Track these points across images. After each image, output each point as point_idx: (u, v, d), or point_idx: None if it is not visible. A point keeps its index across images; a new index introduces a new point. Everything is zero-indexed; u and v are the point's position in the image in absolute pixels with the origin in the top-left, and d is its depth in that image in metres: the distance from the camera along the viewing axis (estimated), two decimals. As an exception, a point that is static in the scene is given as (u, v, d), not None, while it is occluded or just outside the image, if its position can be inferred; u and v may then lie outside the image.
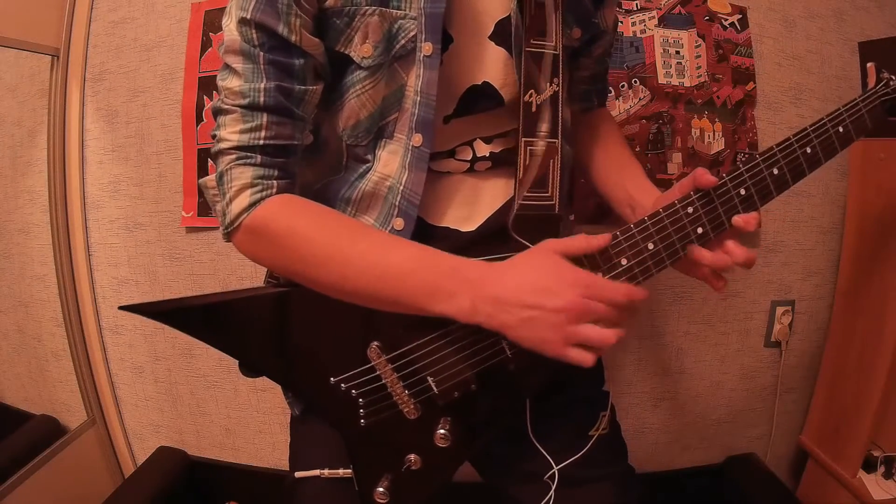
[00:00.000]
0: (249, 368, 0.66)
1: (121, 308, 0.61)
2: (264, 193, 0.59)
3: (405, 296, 0.56)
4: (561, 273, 0.54)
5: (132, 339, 1.37)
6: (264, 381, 0.68)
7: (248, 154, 0.59)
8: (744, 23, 1.27)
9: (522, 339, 0.54)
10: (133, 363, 1.39)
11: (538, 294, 0.53)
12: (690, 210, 0.60)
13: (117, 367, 1.39)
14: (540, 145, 0.64)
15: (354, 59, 0.61)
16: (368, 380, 0.62)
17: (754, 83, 1.27)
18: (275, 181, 0.60)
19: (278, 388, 0.73)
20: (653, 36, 1.25)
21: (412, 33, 0.59)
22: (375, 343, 0.61)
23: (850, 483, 1.18)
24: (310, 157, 0.70)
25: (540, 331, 0.53)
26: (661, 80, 1.25)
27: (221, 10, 0.83)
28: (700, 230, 0.60)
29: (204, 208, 1.27)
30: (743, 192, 0.60)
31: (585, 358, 0.53)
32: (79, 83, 1.28)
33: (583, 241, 0.57)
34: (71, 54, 1.27)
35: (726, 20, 1.26)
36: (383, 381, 0.61)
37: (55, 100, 1.27)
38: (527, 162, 0.64)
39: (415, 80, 0.61)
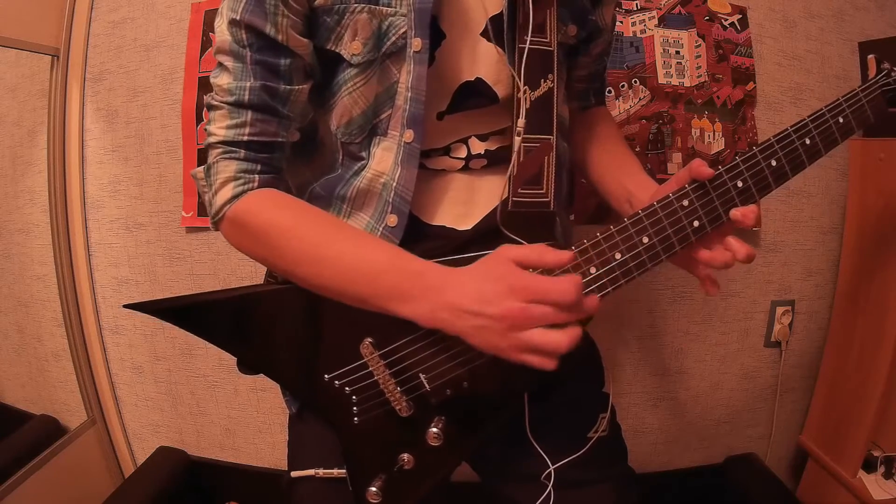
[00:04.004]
0: (247, 366, 0.67)
1: (124, 307, 0.62)
2: (246, 187, 0.61)
3: (373, 296, 0.57)
4: (501, 279, 0.53)
5: (132, 339, 1.37)
6: (264, 381, 0.69)
7: (233, 149, 0.61)
8: (744, 23, 1.27)
9: (479, 346, 0.54)
10: (133, 363, 1.39)
11: (480, 301, 0.52)
12: (686, 203, 0.59)
13: (117, 367, 1.39)
14: (534, 142, 0.64)
15: (345, 56, 0.62)
16: (361, 376, 0.62)
17: (754, 83, 1.27)
18: (257, 175, 0.62)
19: (278, 387, 0.73)
20: (653, 36, 1.25)
21: (402, 30, 0.60)
22: (368, 339, 0.61)
23: (850, 483, 1.18)
24: (308, 155, 0.70)
25: (489, 338, 0.53)
26: (661, 80, 1.25)
27: (221, 10, 0.84)
28: (696, 223, 0.59)
29: (204, 208, 1.27)
30: (740, 184, 0.59)
31: (543, 362, 0.52)
32: (79, 83, 1.28)
33: (539, 253, 0.55)
34: (71, 54, 1.27)
35: (726, 20, 1.26)
36: (375, 378, 0.61)
37: (55, 100, 1.27)
38: (521, 159, 0.64)
39: (406, 77, 0.62)
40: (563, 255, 0.55)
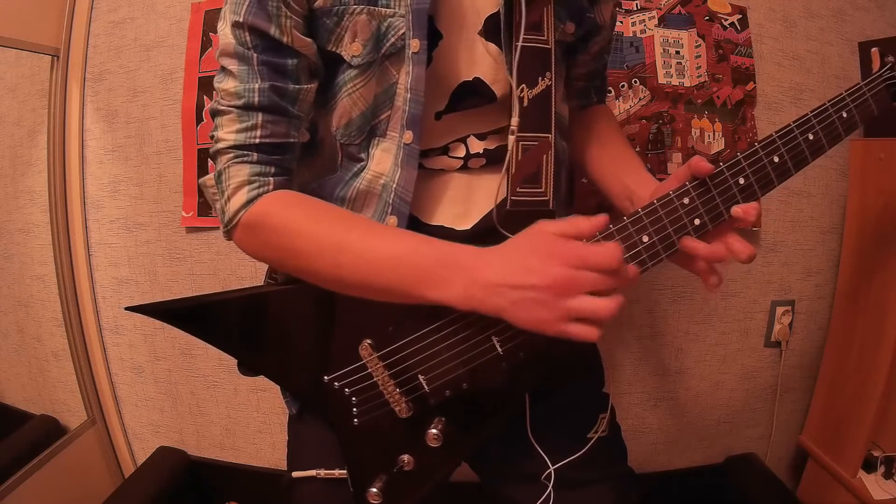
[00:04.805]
0: (247, 367, 0.66)
1: (126, 309, 0.62)
2: (261, 190, 0.60)
3: (398, 283, 0.56)
4: (545, 249, 0.53)
5: (132, 339, 1.37)
6: (264, 381, 0.69)
7: (245, 152, 0.60)
8: (744, 23, 1.27)
9: (519, 320, 0.53)
10: (133, 363, 1.39)
11: (525, 274, 0.52)
12: (686, 201, 0.58)
13: (117, 367, 1.39)
14: (532, 140, 0.64)
15: (345, 57, 0.62)
16: (360, 378, 0.62)
17: (754, 83, 1.27)
18: (271, 178, 0.61)
19: (278, 387, 0.73)
20: (653, 36, 1.25)
21: (401, 31, 0.60)
22: (367, 341, 0.61)
23: (850, 483, 1.18)
24: (307, 156, 0.70)
25: (534, 311, 0.52)
26: (661, 80, 1.25)
27: (221, 10, 0.83)
28: (697, 221, 0.58)
29: (204, 208, 1.27)
30: (742, 181, 0.59)
31: (588, 332, 0.51)
32: (79, 83, 1.28)
33: (573, 223, 0.55)
34: (71, 54, 1.27)
35: (726, 20, 1.26)
36: (375, 380, 0.61)
37: (55, 100, 1.27)
38: (519, 157, 0.63)
39: (405, 78, 0.61)
40: (598, 220, 0.55)
